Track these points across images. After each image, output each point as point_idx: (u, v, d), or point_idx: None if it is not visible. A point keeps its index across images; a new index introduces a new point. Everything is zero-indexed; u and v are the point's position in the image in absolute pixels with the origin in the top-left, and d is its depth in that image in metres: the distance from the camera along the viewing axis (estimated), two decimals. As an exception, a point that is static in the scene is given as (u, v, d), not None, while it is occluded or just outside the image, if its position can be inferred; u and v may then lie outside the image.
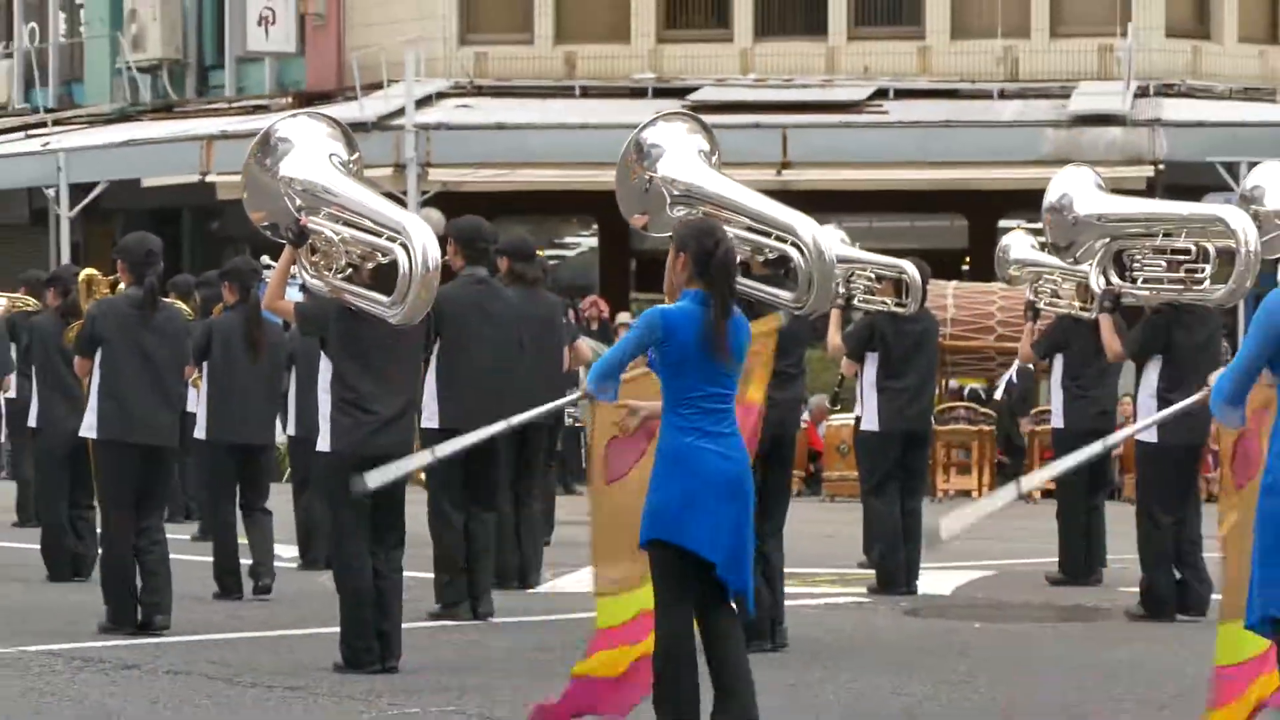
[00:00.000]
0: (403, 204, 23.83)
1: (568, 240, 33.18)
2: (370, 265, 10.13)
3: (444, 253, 11.05)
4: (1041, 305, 15.01)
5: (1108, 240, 12.68)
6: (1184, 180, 27.08)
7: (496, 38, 31.86)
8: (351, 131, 10.75)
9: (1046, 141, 28.00)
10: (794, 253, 10.18)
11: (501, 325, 12.58)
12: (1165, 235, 12.48)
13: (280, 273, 10.37)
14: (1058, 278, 14.81)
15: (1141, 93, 29.20)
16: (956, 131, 28.52)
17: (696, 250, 7.89)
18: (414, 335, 10.44)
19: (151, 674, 10.10)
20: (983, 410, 24.81)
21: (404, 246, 9.89)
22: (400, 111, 29.13)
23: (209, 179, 29.75)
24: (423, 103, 29.75)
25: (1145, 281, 12.59)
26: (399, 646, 10.29)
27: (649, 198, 10.28)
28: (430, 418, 12.36)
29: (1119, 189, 23.82)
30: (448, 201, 26.89)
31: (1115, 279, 12.80)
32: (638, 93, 30.25)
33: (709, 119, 11.19)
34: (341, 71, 31.91)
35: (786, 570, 11.45)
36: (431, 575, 12.57)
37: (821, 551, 16.61)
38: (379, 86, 30.18)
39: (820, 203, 25.64)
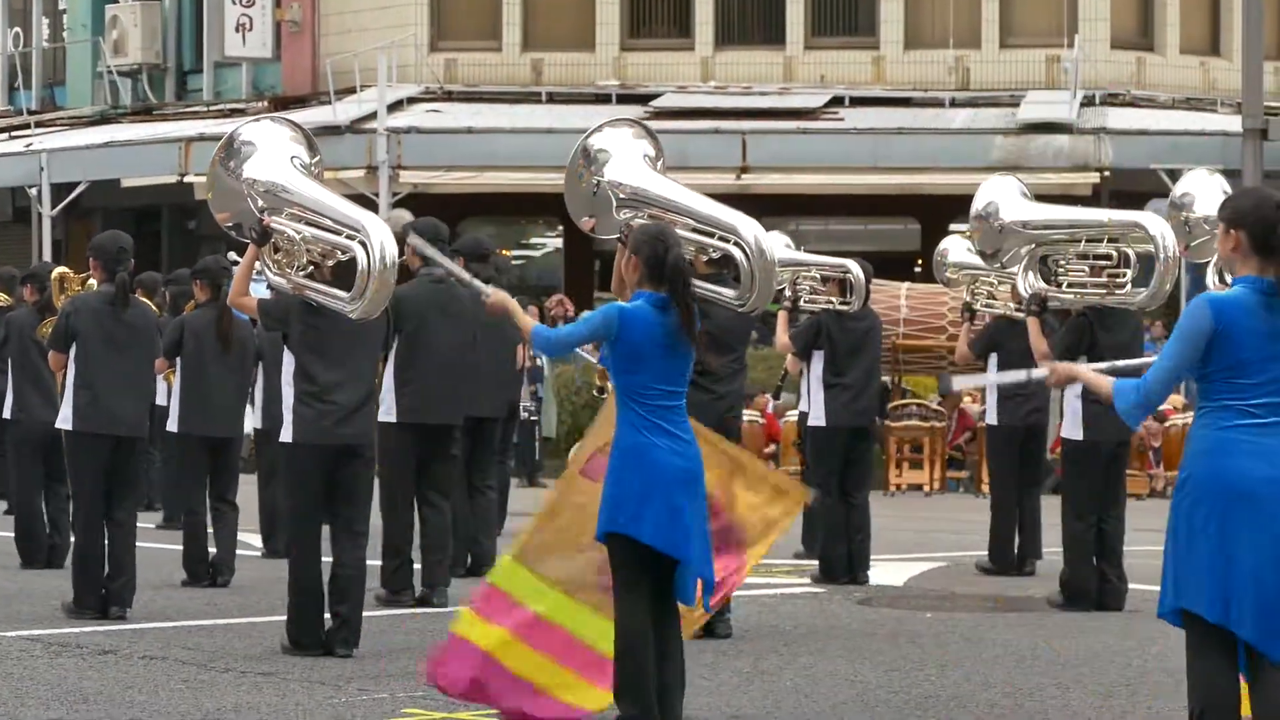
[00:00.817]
0: (374, 206, 24.21)
1: (534, 241, 33.21)
2: (330, 263, 10.27)
3: (402, 253, 11.13)
4: (979, 306, 15.24)
5: (1032, 246, 12.80)
6: (1128, 187, 27.26)
7: (466, 45, 31.98)
8: (314, 135, 10.88)
9: (996, 148, 28.17)
10: (736, 252, 10.33)
11: (458, 322, 12.66)
12: (1088, 241, 12.61)
13: (244, 270, 10.50)
14: (994, 280, 15.02)
15: (1087, 102, 29.40)
16: (909, 138, 28.67)
17: (649, 255, 8.13)
18: (374, 330, 10.56)
19: (127, 659, 10.21)
20: (934, 408, 24.88)
21: (362, 244, 10.00)
22: (372, 116, 29.27)
23: (187, 180, 29.95)
24: (394, 107, 29.87)
25: (1070, 286, 12.71)
26: (358, 634, 10.42)
27: (597, 201, 10.41)
28: (388, 412, 12.42)
29: (1066, 195, 24.35)
30: (418, 203, 26.98)
31: (1040, 283, 12.88)
32: (602, 99, 30.20)
33: (671, 125, 11.28)
34: (316, 77, 32.05)
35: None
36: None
37: (778, 543, 16.72)
38: (352, 91, 30.27)
39: (778, 206, 26.09)
